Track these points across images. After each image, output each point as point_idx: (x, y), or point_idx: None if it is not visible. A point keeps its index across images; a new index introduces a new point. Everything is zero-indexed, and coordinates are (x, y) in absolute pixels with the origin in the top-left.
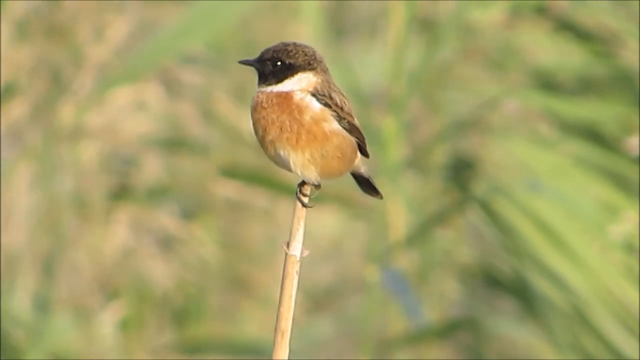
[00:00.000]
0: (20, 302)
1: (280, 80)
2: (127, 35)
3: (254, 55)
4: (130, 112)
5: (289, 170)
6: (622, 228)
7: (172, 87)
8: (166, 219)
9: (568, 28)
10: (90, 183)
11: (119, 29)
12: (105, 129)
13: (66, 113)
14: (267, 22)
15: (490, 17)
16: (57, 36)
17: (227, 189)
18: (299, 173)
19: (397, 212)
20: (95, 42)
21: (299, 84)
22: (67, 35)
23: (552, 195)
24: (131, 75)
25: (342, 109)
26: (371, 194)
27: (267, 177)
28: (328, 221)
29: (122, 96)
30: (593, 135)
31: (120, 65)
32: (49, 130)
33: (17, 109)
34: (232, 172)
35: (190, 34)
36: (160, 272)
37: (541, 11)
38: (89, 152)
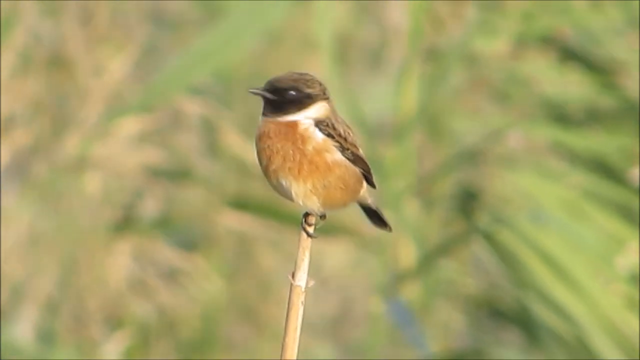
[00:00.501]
0: (24, 332)
1: (299, 109)
2: (133, 66)
3: (257, 85)
4: (135, 143)
5: (291, 200)
6: (626, 260)
7: (177, 117)
8: (170, 251)
9: (574, 58)
10: (94, 214)
11: (124, 60)
12: (110, 160)
13: (71, 144)
14: (270, 53)
15: (495, 47)
16: (61, 67)
17: (233, 220)
18: (301, 203)
19: (402, 243)
20: (101, 73)
21: (314, 114)
22: (72, 66)
23: (556, 226)
24: (139, 107)
25: (345, 139)
26: (380, 227)
27: (273, 207)
28: (334, 252)
29: (127, 127)
30: (599, 166)
31: (127, 98)
32: (53, 161)
33: (20, 140)
34: (238, 204)
35: (198, 67)
36: (165, 304)
37: (547, 41)
38: (93, 183)
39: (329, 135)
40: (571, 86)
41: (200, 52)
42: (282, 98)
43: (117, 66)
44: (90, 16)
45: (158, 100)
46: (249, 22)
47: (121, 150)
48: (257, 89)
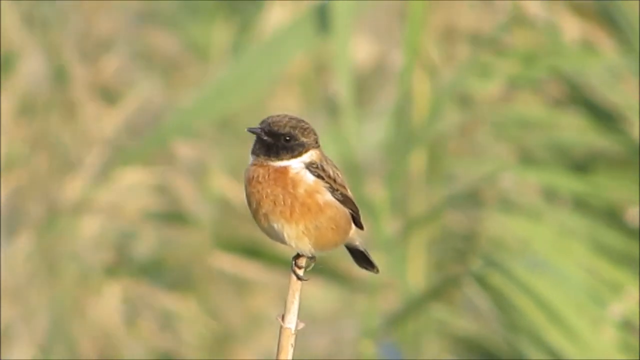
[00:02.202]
0: None
1: (293, 156)
2: (134, 112)
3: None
4: (133, 189)
5: (283, 242)
6: (621, 305)
7: (170, 160)
8: (162, 293)
9: (570, 101)
10: (88, 256)
11: (126, 105)
12: (107, 205)
13: (70, 188)
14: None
15: (490, 89)
16: (64, 111)
17: (224, 262)
18: (293, 245)
19: (393, 285)
20: (102, 118)
21: (305, 160)
22: (74, 110)
23: (550, 270)
24: (139, 156)
25: (334, 180)
26: (367, 268)
27: (263, 249)
28: (324, 294)
29: (129, 176)
30: (595, 209)
31: (129, 145)
32: (50, 204)
33: (18, 181)
34: (227, 245)
35: (199, 115)
36: (157, 346)
37: (543, 83)
38: (88, 226)
39: (318, 176)
40: (567, 129)
41: (201, 100)
42: (277, 142)
43: (118, 112)
44: (95, 60)
45: (158, 149)
46: (253, 69)
47: (119, 195)
48: (255, 128)
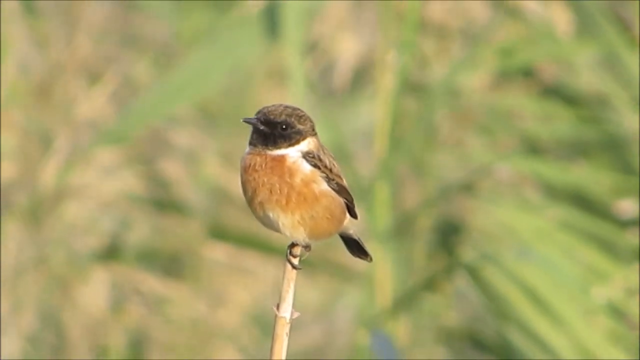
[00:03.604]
0: None
1: (290, 144)
2: (112, 96)
3: (245, 115)
4: (118, 172)
5: (278, 231)
6: (607, 292)
7: (162, 147)
8: (153, 279)
9: (556, 91)
10: (77, 243)
11: (104, 89)
12: (92, 189)
13: (50, 172)
14: (252, 84)
15: (477, 81)
16: (44, 95)
17: (216, 251)
18: (288, 234)
19: (386, 276)
20: (80, 102)
21: (303, 148)
22: (52, 94)
23: (538, 261)
24: (119, 135)
25: (331, 170)
26: (360, 257)
27: (256, 238)
28: (318, 284)
29: (107, 156)
30: (581, 200)
31: (104, 127)
32: (34, 190)
33: (4, 170)
34: (220, 234)
35: (174, 97)
36: (147, 332)
37: (529, 74)
38: (75, 212)
39: (315, 166)
40: (554, 120)
41: (176, 83)
42: (274, 131)
43: (96, 95)
44: (70, 44)
45: (133, 130)
46: (226, 53)
47: (102, 179)
48: (251, 119)
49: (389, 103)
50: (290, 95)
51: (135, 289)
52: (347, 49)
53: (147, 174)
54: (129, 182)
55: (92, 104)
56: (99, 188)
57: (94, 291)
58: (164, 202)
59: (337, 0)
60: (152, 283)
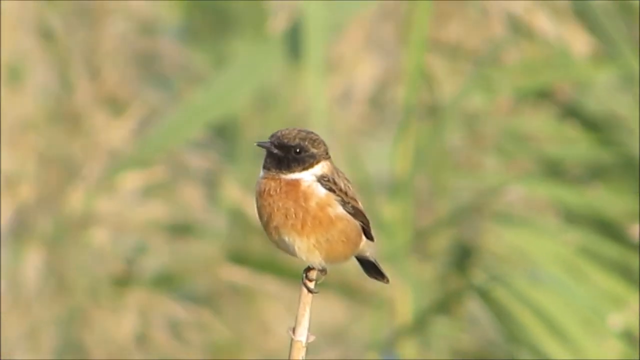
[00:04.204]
0: None
1: (304, 168)
2: (138, 124)
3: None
4: (139, 198)
5: (294, 255)
6: (622, 318)
7: (180, 171)
8: (175, 305)
9: (573, 114)
10: (98, 269)
11: (130, 117)
12: (114, 215)
13: (75, 199)
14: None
15: (493, 103)
16: (70, 123)
17: (235, 275)
18: (304, 258)
19: (400, 298)
20: (106, 130)
21: (317, 172)
22: (78, 122)
23: (552, 284)
24: (136, 162)
25: (346, 193)
26: (377, 279)
27: (274, 262)
28: (333, 307)
29: (130, 182)
30: (598, 224)
31: (129, 151)
32: (57, 216)
33: (24, 194)
34: (239, 258)
35: (194, 121)
36: (170, 357)
37: (545, 97)
38: (98, 238)
39: (330, 189)
40: (570, 143)
41: (195, 107)
42: (288, 155)
43: (122, 123)
44: (97, 72)
45: (154, 154)
46: (245, 77)
47: (125, 205)
48: (265, 142)
49: (404, 124)
50: (312, 120)
51: (157, 314)
52: (365, 72)
53: (166, 199)
54: (149, 208)
55: (119, 132)
56: (119, 214)
57: (117, 317)
58: (183, 227)
59: (356, 23)
60: (173, 308)
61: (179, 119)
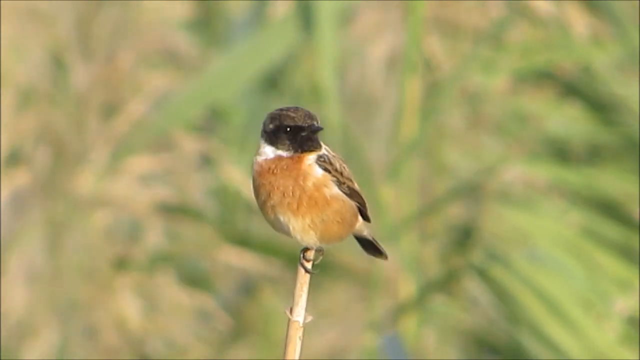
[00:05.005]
0: None
1: (321, 146)
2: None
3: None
4: (139, 181)
5: (289, 235)
6: (626, 300)
7: (179, 154)
8: (175, 287)
9: (574, 94)
10: (98, 251)
11: (139, 100)
12: (114, 198)
13: (79, 181)
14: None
15: (495, 83)
16: (77, 105)
17: (233, 257)
18: (299, 238)
19: (399, 278)
20: (115, 114)
21: (318, 152)
22: (87, 105)
23: (551, 264)
24: (138, 144)
25: (341, 174)
26: (375, 256)
27: (272, 244)
28: (332, 286)
29: (134, 166)
30: (600, 204)
31: (132, 134)
32: (56, 198)
33: (26, 176)
34: (237, 240)
35: (196, 103)
36: (171, 339)
37: (547, 77)
38: (98, 220)
39: (326, 170)
40: (571, 122)
41: (197, 89)
42: (313, 135)
43: (132, 106)
44: (110, 56)
45: (157, 136)
46: (246, 60)
47: (125, 188)
48: (317, 127)
49: (399, 102)
50: (323, 104)
51: (158, 296)
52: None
53: (165, 181)
54: (150, 191)
55: (128, 115)
56: (121, 197)
57: (117, 298)
58: (181, 209)
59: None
60: (173, 289)
61: (183, 98)
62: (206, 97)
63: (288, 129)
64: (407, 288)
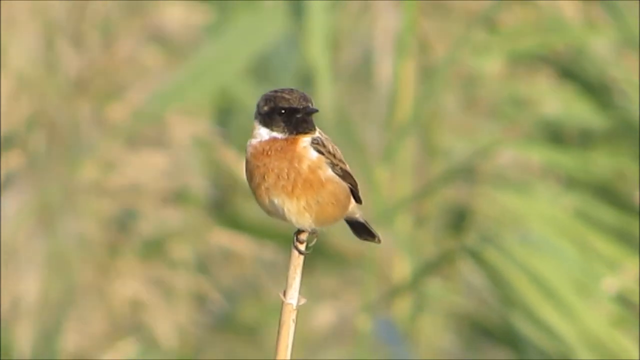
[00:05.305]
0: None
1: (315, 128)
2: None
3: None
4: (132, 168)
5: (283, 218)
6: (617, 281)
7: (170, 137)
8: (170, 271)
9: (569, 77)
10: (96, 234)
11: (140, 85)
12: (107, 182)
13: (75, 167)
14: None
15: (490, 66)
16: (66, 90)
17: (226, 240)
18: (294, 221)
19: (393, 259)
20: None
21: (313, 134)
22: (86, 90)
23: (542, 245)
24: (133, 129)
25: (334, 155)
26: (368, 239)
27: (265, 226)
28: (325, 271)
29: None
30: (594, 187)
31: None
32: (51, 183)
33: (21, 159)
34: (230, 223)
35: (191, 87)
36: (167, 322)
37: (542, 60)
38: (92, 205)
39: (319, 152)
40: (566, 105)
41: (192, 73)
42: (309, 118)
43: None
44: (111, 42)
45: (151, 119)
46: (241, 44)
47: (120, 173)
48: (312, 109)
49: (393, 85)
50: (317, 87)
51: (155, 281)
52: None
53: (155, 165)
54: (140, 172)
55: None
56: (112, 181)
57: (111, 282)
58: (174, 193)
59: None
60: (170, 274)
61: (177, 82)
62: (200, 82)
63: (283, 111)
64: (401, 271)
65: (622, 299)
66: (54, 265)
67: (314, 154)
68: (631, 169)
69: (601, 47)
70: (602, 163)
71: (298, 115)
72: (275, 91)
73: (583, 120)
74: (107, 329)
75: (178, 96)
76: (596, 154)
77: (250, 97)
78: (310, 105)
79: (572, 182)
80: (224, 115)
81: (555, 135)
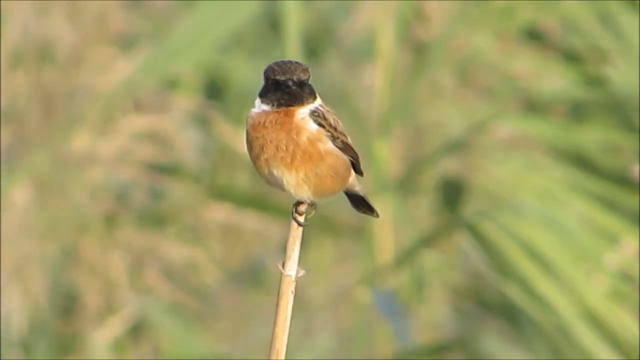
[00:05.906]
0: (15, 321)
1: (309, 102)
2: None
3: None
4: (126, 138)
5: (282, 189)
6: (618, 255)
7: (165, 112)
8: (166, 243)
9: (558, 50)
10: (86, 207)
11: (127, 58)
12: (101, 154)
13: (70, 140)
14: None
15: (482, 41)
16: (65, 64)
17: (221, 213)
18: (293, 192)
19: (387, 233)
20: (103, 71)
21: (311, 106)
22: (73, 62)
23: (540, 219)
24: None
25: (335, 128)
26: (366, 213)
27: (261, 199)
28: (323, 243)
29: (120, 124)
30: (584, 159)
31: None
32: (45, 155)
33: (15, 132)
34: (225, 196)
35: (174, 57)
36: (161, 295)
37: (533, 35)
38: (90, 177)
39: (320, 125)
40: (555, 79)
41: (176, 42)
42: (302, 90)
43: (119, 65)
44: (100, 16)
45: (134, 89)
46: (223, 15)
47: (114, 146)
48: (286, 81)
49: (389, 60)
50: (287, 50)
51: (148, 252)
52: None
53: (153, 138)
54: (138, 148)
55: (116, 73)
56: (106, 154)
57: (108, 254)
58: (166, 165)
59: None
60: (164, 246)
61: (160, 53)
62: (189, 50)
63: (269, 82)
64: (398, 244)
65: (621, 273)
66: (50, 236)
67: (313, 126)
68: (627, 142)
69: (590, 19)
70: (597, 137)
71: (282, 88)
72: (273, 62)
73: (575, 94)
74: (100, 301)
75: (162, 67)
76: (591, 128)
77: (242, 72)
78: (292, 78)
79: (567, 156)
80: (216, 90)
81: (545, 108)
